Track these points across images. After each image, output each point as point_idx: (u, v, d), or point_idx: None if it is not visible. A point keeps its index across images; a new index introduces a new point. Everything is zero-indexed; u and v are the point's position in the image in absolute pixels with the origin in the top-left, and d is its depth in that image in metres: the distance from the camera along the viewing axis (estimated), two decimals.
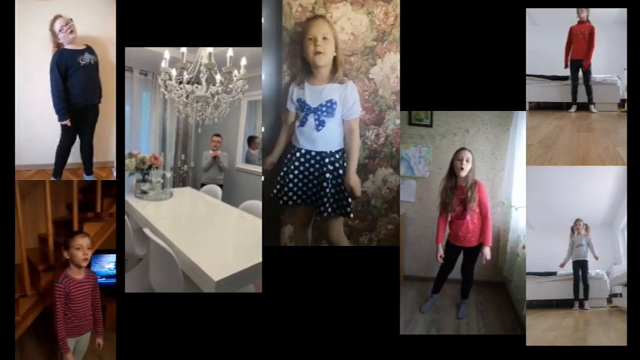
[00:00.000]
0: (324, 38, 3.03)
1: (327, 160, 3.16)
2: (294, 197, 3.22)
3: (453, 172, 3.52)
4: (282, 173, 3.24)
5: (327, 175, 3.13)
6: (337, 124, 3.18)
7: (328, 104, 3.12)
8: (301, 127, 3.18)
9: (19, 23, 3.29)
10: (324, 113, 3.13)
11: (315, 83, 3.15)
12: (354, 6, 3.23)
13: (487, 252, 3.53)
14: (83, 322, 3.05)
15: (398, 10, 3.22)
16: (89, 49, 3.68)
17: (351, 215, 3.21)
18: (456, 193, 3.51)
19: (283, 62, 3.29)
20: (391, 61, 3.28)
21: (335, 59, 3.11)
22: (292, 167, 3.20)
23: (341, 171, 3.17)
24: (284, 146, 3.31)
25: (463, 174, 3.45)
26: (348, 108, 3.15)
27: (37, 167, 3.99)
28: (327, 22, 3.09)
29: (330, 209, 3.14)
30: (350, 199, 3.16)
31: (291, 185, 3.20)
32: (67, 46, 3.63)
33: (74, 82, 3.64)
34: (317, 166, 3.18)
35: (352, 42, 3.25)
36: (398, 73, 3.27)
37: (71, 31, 3.60)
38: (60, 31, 3.58)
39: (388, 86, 3.31)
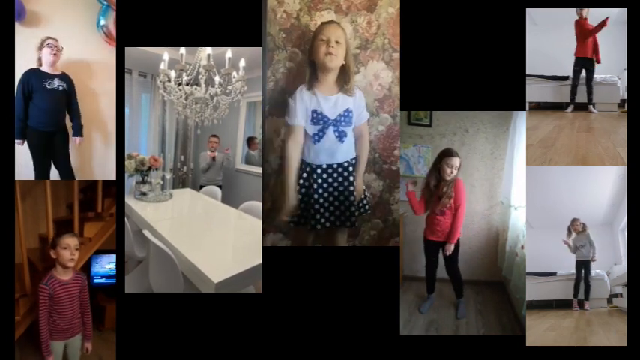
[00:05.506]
0: (337, 42, 2.94)
1: (350, 169, 3.08)
2: (322, 220, 3.04)
3: (439, 174, 3.52)
4: (299, 196, 3.05)
5: (354, 184, 3.08)
6: (351, 132, 3.11)
7: (346, 113, 3.04)
8: (318, 142, 3.04)
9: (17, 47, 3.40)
10: (343, 123, 3.03)
11: (325, 91, 3.03)
12: (338, 14, 3.21)
13: (449, 248, 3.56)
14: (70, 325, 3.00)
15: (381, 20, 3.23)
16: (62, 76, 3.68)
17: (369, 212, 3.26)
18: (437, 190, 3.54)
19: (267, 67, 3.25)
20: (374, 68, 3.27)
21: (345, 68, 3.02)
22: (315, 186, 3.03)
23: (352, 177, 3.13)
24: (297, 174, 3.07)
25: (448, 179, 3.49)
26: (358, 114, 3.10)
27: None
28: (342, 28, 3.01)
29: (354, 218, 3.09)
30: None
31: (317, 207, 3.03)
32: (43, 68, 3.63)
33: (37, 104, 3.60)
34: (340, 179, 3.06)
35: None
36: (381, 80, 3.27)
37: (55, 54, 3.60)
38: (47, 45, 3.58)
39: (372, 93, 3.29)
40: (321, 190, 3.04)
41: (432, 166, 3.61)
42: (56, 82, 3.63)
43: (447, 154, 3.51)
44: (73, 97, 3.76)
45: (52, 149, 3.72)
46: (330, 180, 3.06)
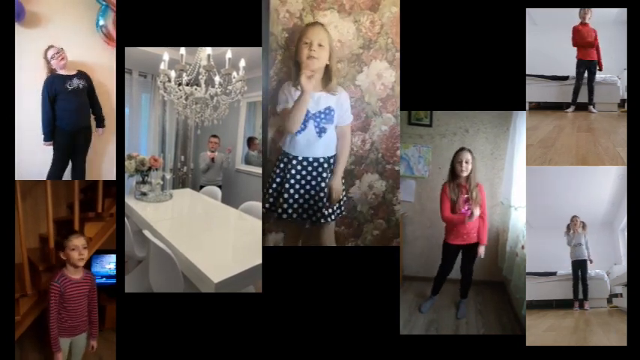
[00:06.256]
0: (320, 45, 3.00)
1: (326, 166, 3.13)
2: (290, 210, 3.12)
3: (455, 174, 3.53)
4: (274, 185, 3.16)
5: (328, 181, 3.12)
6: (333, 130, 3.16)
7: (327, 111, 3.09)
8: (299, 134, 3.09)
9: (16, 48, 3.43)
10: (324, 120, 3.09)
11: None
12: (341, 14, 3.22)
13: (482, 250, 3.59)
14: (78, 322, 3.04)
15: (384, 19, 3.23)
16: (79, 75, 3.74)
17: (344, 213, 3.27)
18: (461, 192, 3.52)
19: (270, 68, 3.26)
20: (377, 68, 3.27)
21: (328, 68, 3.08)
22: (288, 176, 3.11)
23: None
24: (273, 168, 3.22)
25: (465, 175, 3.47)
26: (341, 115, 3.14)
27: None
28: (325, 30, 3.07)
29: (332, 215, 3.14)
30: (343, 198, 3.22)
31: (286, 196, 3.10)
32: (60, 72, 3.71)
33: (63, 106, 3.71)
34: (314, 173, 3.12)
35: (339, 49, 3.22)
36: (384, 80, 3.27)
37: (62, 59, 3.68)
38: (52, 58, 3.67)
39: (374, 93, 3.29)
40: (293, 181, 3.11)
41: (449, 170, 3.62)
42: (75, 81, 3.72)
43: (456, 151, 3.55)
44: (93, 92, 3.83)
45: (74, 148, 3.79)
46: (303, 172, 3.12)
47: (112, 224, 3.82)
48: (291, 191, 3.11)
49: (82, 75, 3.75)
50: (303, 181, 3.12)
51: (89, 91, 3.80)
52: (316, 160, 3.12)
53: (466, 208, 3.50)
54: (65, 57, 3.69)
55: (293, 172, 3.11)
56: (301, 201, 3.14)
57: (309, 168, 3.12)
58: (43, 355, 3.66)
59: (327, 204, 3.14)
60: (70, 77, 3.71)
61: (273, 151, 3.31)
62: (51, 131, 3.71)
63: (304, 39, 3.02)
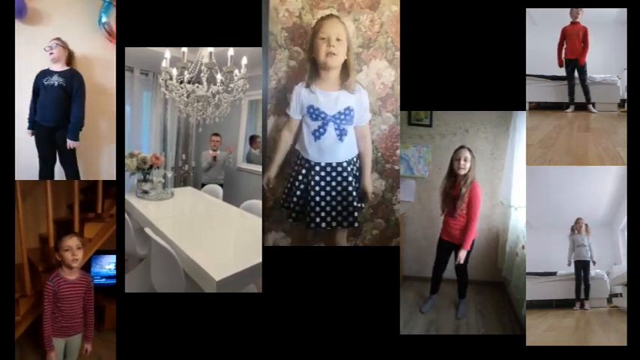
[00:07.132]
0: (338, 40, 2.91)
1: (350, 169, 3.05)
2: (317, 219, 3.03)
3: (453, 172, 3.54)
4: (298, 193, 3.07)
5: (354, 184, 3.06)
6: (352, 130, 3.08)
7: (346, 111, 3.00)
8: (319, 139, 3.03)
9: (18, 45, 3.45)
10: (344, 121, 3.01)
11: (326, 88, 3.02)
12: (340, 12, 3.19)
13: (462, 255, 3.54)
14: (71, 323, 3.05)
15: (384, 18, 3.22)
16: (63, 73, 3.72)
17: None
18: (452, 191, 3.54)
19: (270, 66, 3.25)
20: (377, 67, 3.26)
21: (346, 63, 2.99)
22: (313, 183, 3.01)
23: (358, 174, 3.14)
24: (284, 157, 3.19)
25: (462, 173, 3.48)
26: (360, 114, 3.08)
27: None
28: (342, 23, 2.97)
29: (352, 218, 3.07)
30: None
31: (312, 204, 3.02)
32: (52, 66, 3.74)
33: (39, 100, 3.74)
34: (339, 178, 3.03)
35: None
36: (384, 79, 3.27)
37: (51, 53, 3.70)
38: (46, 50, 3.70)
39: (374, 92, 3.27)
40: (317, 188, 3.03)
41: (447, 170, 3.63)
42: (53, 79, 3.71)
43: (456, 149, 3.56)
44: (74, 94, 3.75)
45: (57, 146, 3.78)
46: (328, 178, 3.04)
47: (112, 225, 3.81)
48: (317, 199, 3.02)
49: (66, 74, 3.72)
50: (328, 188, 3.03)
51: (72, 93, 3.74)
52: (339, 164, 3.04)
53: (451, 207, 3.52)
54: (54, 53, 3.70)
55: (317, 178, 3.03)
56: (328, 208, 3.04)
57: (333, 173, 3.04)
58: (43, 356, 3.66)
59: (360, 205, 3.13)
60: (51, 73, 3.71)
61: (274, 150, 3.31)
62: (30, 122, 3.77)
63: (320, 34, 2.92)
